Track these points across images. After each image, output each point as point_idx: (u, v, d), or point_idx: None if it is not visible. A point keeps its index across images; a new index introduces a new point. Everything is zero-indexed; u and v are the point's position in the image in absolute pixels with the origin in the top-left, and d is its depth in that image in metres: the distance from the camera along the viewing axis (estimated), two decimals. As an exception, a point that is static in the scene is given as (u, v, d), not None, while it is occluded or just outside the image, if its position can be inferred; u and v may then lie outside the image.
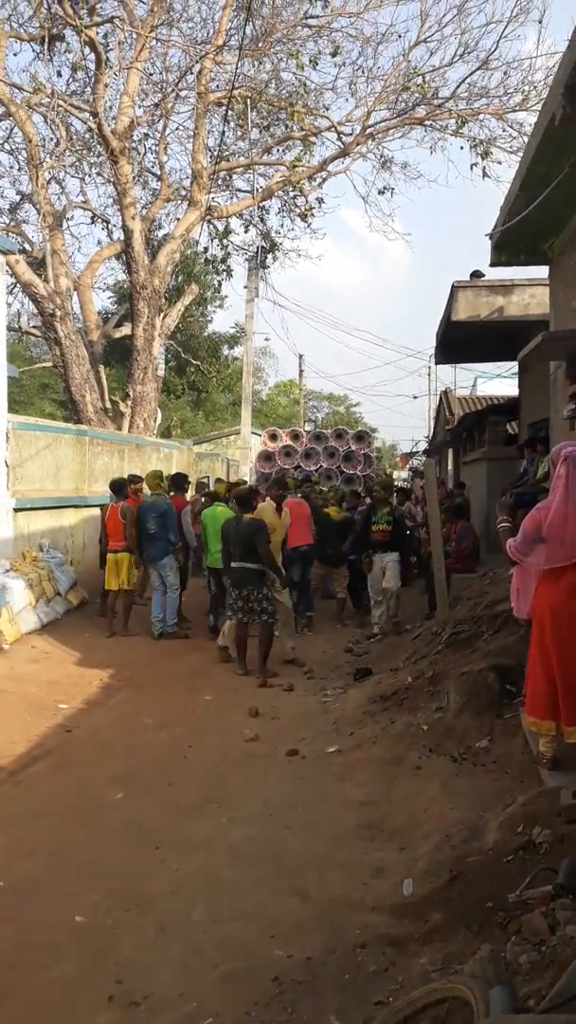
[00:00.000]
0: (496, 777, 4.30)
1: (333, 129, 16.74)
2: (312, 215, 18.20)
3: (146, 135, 17.80)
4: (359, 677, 7.07)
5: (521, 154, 7.89)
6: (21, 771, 5.16)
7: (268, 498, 8.53)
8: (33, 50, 15.82)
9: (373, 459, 15.83)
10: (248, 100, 16.46)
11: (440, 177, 65.44)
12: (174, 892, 3.61)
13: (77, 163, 17.96)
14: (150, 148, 18.15)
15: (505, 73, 15.90)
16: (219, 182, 17.84)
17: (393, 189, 18.57)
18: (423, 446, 35.30)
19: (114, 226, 18.60)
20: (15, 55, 45.31)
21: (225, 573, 8.23)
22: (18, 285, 15.53)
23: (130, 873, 3.80)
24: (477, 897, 2.97)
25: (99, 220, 19.29)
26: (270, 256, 19.71)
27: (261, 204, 18.27)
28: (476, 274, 12.26)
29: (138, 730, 6.05)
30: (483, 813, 3.66)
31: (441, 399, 26.56)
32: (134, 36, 15.09)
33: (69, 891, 3.62)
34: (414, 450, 38.16)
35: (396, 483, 15.39)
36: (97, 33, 14.57)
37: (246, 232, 19.76)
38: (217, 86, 16.30)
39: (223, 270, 20.04)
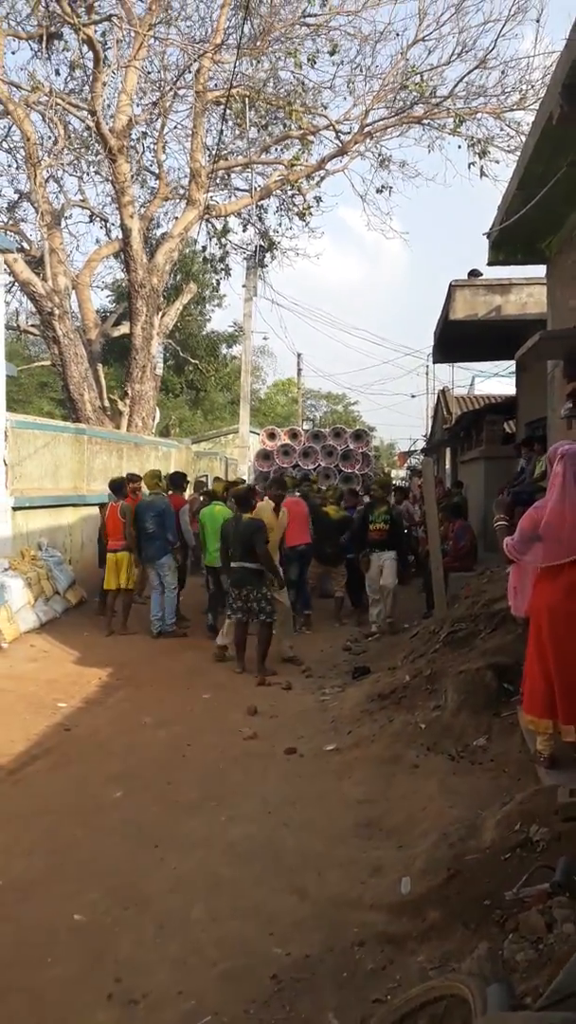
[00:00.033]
0: (494, 775, 4.31)
1: (331, 128, 16.75)
2: (310, 214, 18.22)
3: (144, 134, 17.81)
4: (357, 675, 7.08)
5: (519, 153, 7.89)
6: (20, 770, 5.17)
7: (266, 498, 8.53)
8: (31, 48, 15.82)
9: (371, 458, 15.83)
10: (246, 99, 16.46)
11: (438, 176, 65.42)
12: (173, 890, 3.62)
13: (75, 161, 17.96)
14: (148, 147, 18.17)
15: (503, 72, 15.96)
16: (217, 181, 17.84)
17: (391, 188, 18.67)
18: (421, 445, 35.29)
19: (112, 225, 18.65)
20: (13, 53, 45.07)
21: (224, 572, 8.24)
22: (16, 284, 15.51)
23: (129, 871, 3.80)
24: (475, 895, 2.98)
25: (97, 219, 19.32)
26: (268, 255, 19.73)
27: (259, 203, 18.29)
28: (474, 273, 12.27)
29: (137, 729, 6.06)
30: (481, 811, 3.66)
31: (439, 398, 26.57)
32: (132, 34, 15.08)
33: (68, 889, 3.63)
34: (412, 449, 38.14)
35: (394, 482, 15.39)
36: (95, 31, 14.57)
37: (244, 231, 19.80)
38: (215, 85, 16.31)
39: (221, 269, 20.07)
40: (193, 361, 28.68)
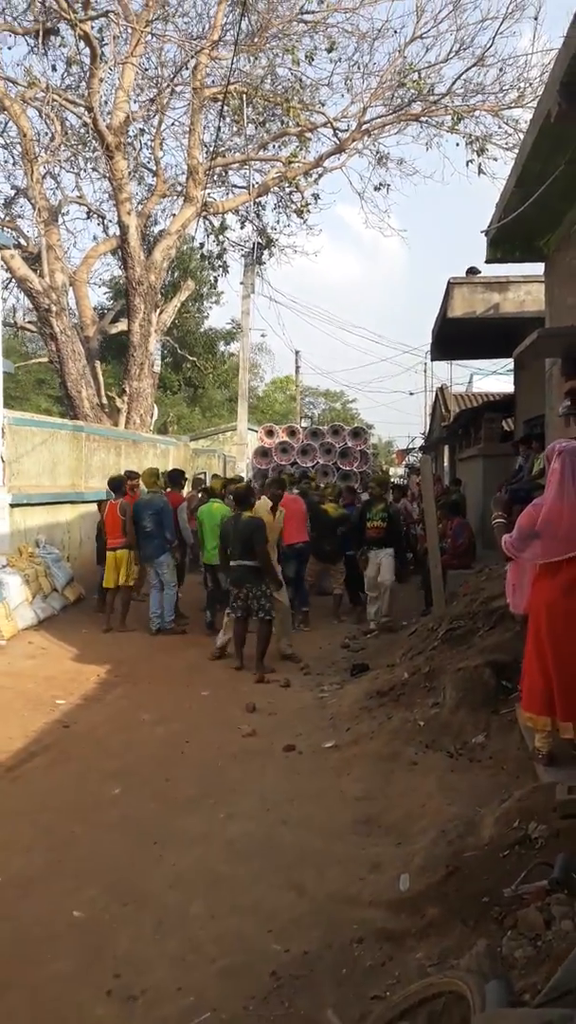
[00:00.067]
0: (492, 773, 4.31)
1: (329, 125, 16.73)
2: (308, 211, 18.24)
3: (141, 130, 17.80)
4: (356, 673, 7.08)
5: (517, 151, 7.88)
6: (18, 767, 5.17)
7: (264, 497, 8.53)
8: (28, 44, 15.75)
9: (369, 455, 15.82)
10: (244, 96, 16.44)
11: (436, 173, 65.45)
12: (172, 887, 3.62)
13: (72, 158, 17.94)
14: (146, 143, 18.14)
15: (501, 70, 15.96)
16: (215, 178, 17.84)
17: (389, 185, 18.57)
18: (419, 442, 35.31)
19: (110, 221, 18.62)
20: (9, 49, 45.17)
21: (222, 570, 8.24)
22: (13, 280, 15.50)
23: (128, 868, 3.81)
24: (473, 892, 2.98)
25: (95, 215, 19.29)
26: (266, 252, 19.71)
27: (257, 200, 18.26)
28: (472, 271, 12.27)
29: (135, 726, 6.06)
30: (479, 808, 3.67)
31: (437, 396, 26.58)
32: (129, 31, 15.05)
33: (67, 886, 3.63)
34: (410, 446, 38.17)
35: (392, 480, 15.39)
36: (92, 27, 14.52)
37: (242, 228, 19.80)
38: (213, 81, 16.27)
39: (219, 266, 20.08)
40: (191, 358, 28.67)
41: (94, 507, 11.75)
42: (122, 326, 18.10)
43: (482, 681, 5.10)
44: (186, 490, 11.54)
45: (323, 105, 17.34)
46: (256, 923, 3.27)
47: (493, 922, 2.77)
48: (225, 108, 16.29)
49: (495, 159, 16.43)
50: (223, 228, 18.77)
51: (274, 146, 18.06)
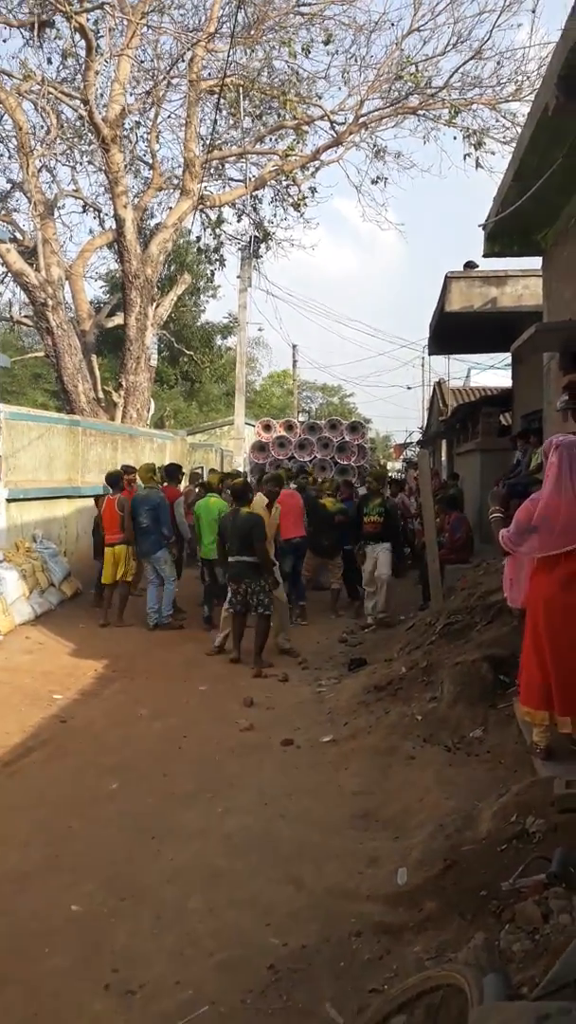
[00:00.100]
0: (490, 767, 4.32)
1: (326, 118, 16.67)
2: (305, 204, 18.16)
3: (138, 123, 17.70)
4: (353, 667, 7.09)
5: (514, 144, 7.86)
6: (16, 762, 5.17)
7: (260, 493, 8.52)
8: (23, 36, 15.64)
9: (367, 450, 15.82)
10: (240, 88, 16.36)
11: (433, 167, 65.45)
12: (170, 881, 3.63)
13: (68, 151, 17.85)
14: (142, 136, 18.05)
15: (498, 63, 15.96)
16: (211, 171, 17.77)
17: (386, 179, 18.52)
18: (417, 437, 35.30)
19: (106, 215, 18.54)
20: (4, 42, 44.86)
21: (220, 565, 8.24)
22: (9, 274, 15.44)
23: (125, 863, 3.81)
24: (471, 886, 2.99)
25: (91, 209, 19.21)
26: (263, 246, 19.66)
27: (254, 193, 18.21)
28: (470, 265, 12.25)
29: (133, 721, 6.06)
30: (477, 803, 3.68)
31: (435, 390, 26.57)
32: (125, 23, 14.96)
33: (64, 881, 3.63)
34: (408, 441, 38.17)
35: (390, 474, 15.38)
36: (87, 19, 14.44)
37: (239, 221, 19.73)
38: (209, 74, 16.20)
39: (216, 259, 19.99)
40: (188, 352, 28.57)
41: (91, 502, 11.73)
42: (118, 320, 18.06)
43: (480, 675, 5.11)
44: (183, 484, 11.52)
45: (320, 98, 17.33)
46: (254, 917, 3.28)
47: (491, 916, 2.78)
48: (222, 101, 16.21)
49: (493, 153, 16.34)
50: (220, 221, 18.72)
51: (271, 139, 18.01)
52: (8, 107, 14.67)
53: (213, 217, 18.43)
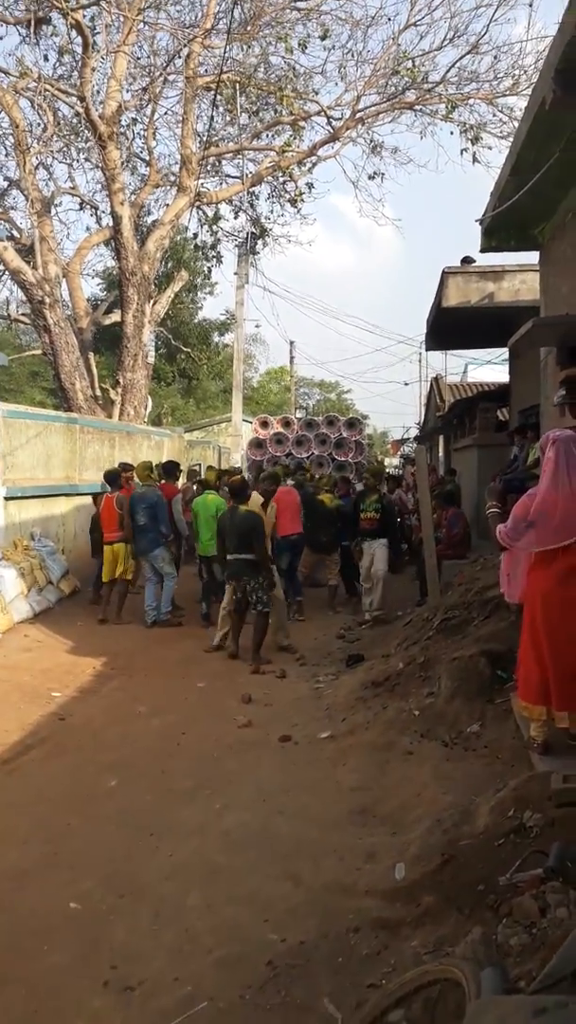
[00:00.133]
0: (487, 762, 4.33)
1: (323, 113, 16.63)
2: (302, 200, 18.13)
3: (134, 120, 17.67)
4: (351, 663, 7.10)
5: (511, 139, 7.85)
6: (14, 759, 5.17)
7: (256, 492, 8.51)
8: (19, 33, 15.58)
9: (364, 446, 15.82)
10: (237, 84, 16.32)
11: (430, 162, 65.31)
12: (168, 878, 3.63)
13: (65, 148, 17.80)
14: (138, 133, 18.03)
15: (495, 57, 15.90)
16: (208, 168, 17.72)
17: (383, 174, 18.42)
18: (414, 433, 35.29)
19: (103, 212, 18.48)
20: (0, 39, 44.69)
21: (217, 562, 8.23)
22: (6, 272, 15.41)
23: (124, 860, 3.82)
24: (468, 880, 3.00)
25: (87, 206, 19.18)
26: (260, 242, 19.62)
27: (251, 190, 18.18)
28: (467, 260, 12.22)
29: (131, 718, 6.07)
30: (474, 797, 3.68)
31: (432, 386, 26.56)
32: (121, 19, 14.91)
33: (63, 878, 3.64)
34: (405, 437, 38.16)
35: (387, 470, 15.37)
36: (84, 16, 14.39)
37: (236, 218, 19.75)
38: (205, 70, 16.16)
39: (213, 256, 19.97)
40: (185, 349, 28.52)
41: (89, 500, 11.72)
42: (116, 317, 18.02)
43: (477, 671, 5.11)
44: (181, 481, 11.51)
45: (317, 93, 17.23)
46: (252, 913, 3.28)
47: (488, 910, 2.78)
48: (218, 97, 16.17)
49: (490, 148, 16.39)
50: (217, 218, 18.68)
51: (268, 135, 17.96)
52: (5, 104, 14.62)
53: (210, 214, 18.42)
